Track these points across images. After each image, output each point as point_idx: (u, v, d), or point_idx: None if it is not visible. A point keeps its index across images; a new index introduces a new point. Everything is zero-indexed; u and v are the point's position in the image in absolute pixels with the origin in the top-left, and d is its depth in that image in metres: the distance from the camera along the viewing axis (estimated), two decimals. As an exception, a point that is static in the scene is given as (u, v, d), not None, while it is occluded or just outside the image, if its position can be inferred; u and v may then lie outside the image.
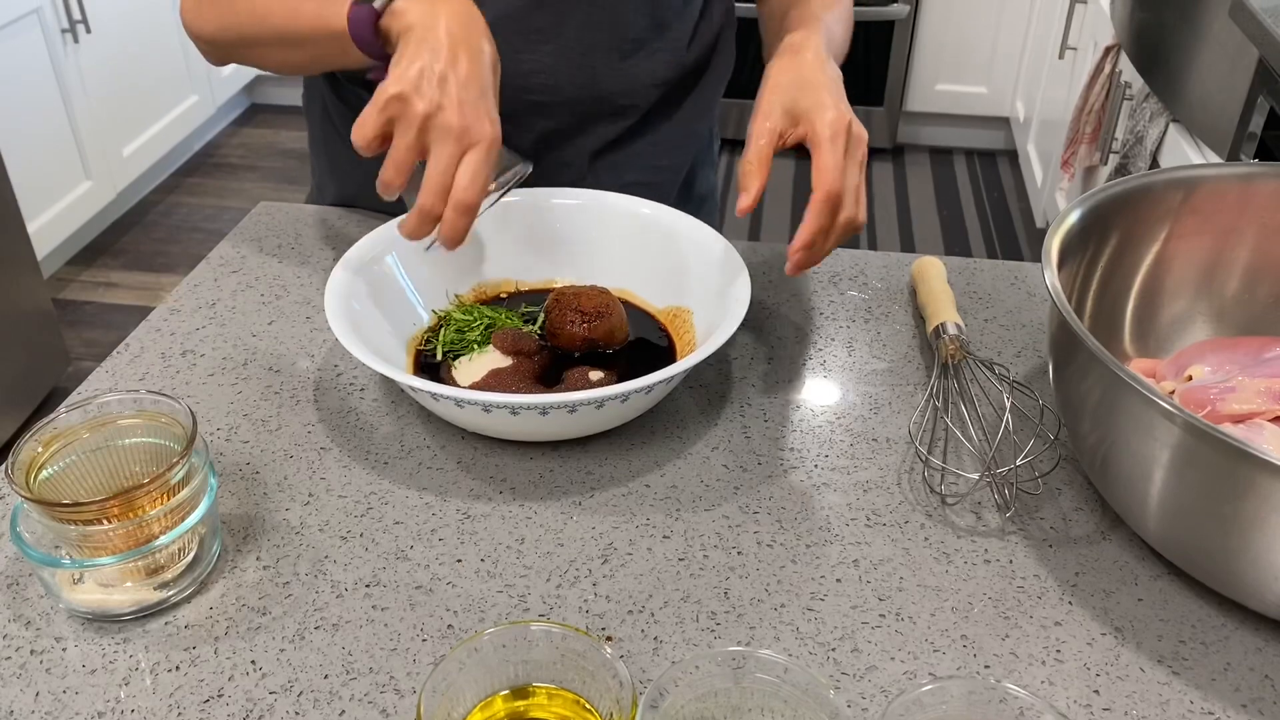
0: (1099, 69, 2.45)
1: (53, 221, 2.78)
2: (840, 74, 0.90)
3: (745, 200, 0.83)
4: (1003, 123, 3.61)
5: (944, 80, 3.50)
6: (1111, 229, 0.82)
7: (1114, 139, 2.31)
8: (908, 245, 3.13)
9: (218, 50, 0.98)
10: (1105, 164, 2.37)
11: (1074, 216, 0.79)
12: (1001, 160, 3.60)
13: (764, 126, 0.85)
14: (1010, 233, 3.18)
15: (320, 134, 1.16)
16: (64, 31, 2.73)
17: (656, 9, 1.04)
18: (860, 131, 0.85)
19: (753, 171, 0.84)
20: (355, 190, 1.15)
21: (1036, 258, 3.00)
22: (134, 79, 3.05)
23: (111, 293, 2.92)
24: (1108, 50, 2.43)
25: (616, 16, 1.02)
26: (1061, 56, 2.83)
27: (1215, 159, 1.82)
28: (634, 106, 1.08)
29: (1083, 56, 2.71)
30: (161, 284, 2.95)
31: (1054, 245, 0.76)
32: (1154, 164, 2.07)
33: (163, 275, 2.98)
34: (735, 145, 3.65)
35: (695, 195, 1.22)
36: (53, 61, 2.72)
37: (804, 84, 0.86)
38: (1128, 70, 2.30)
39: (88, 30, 2.80)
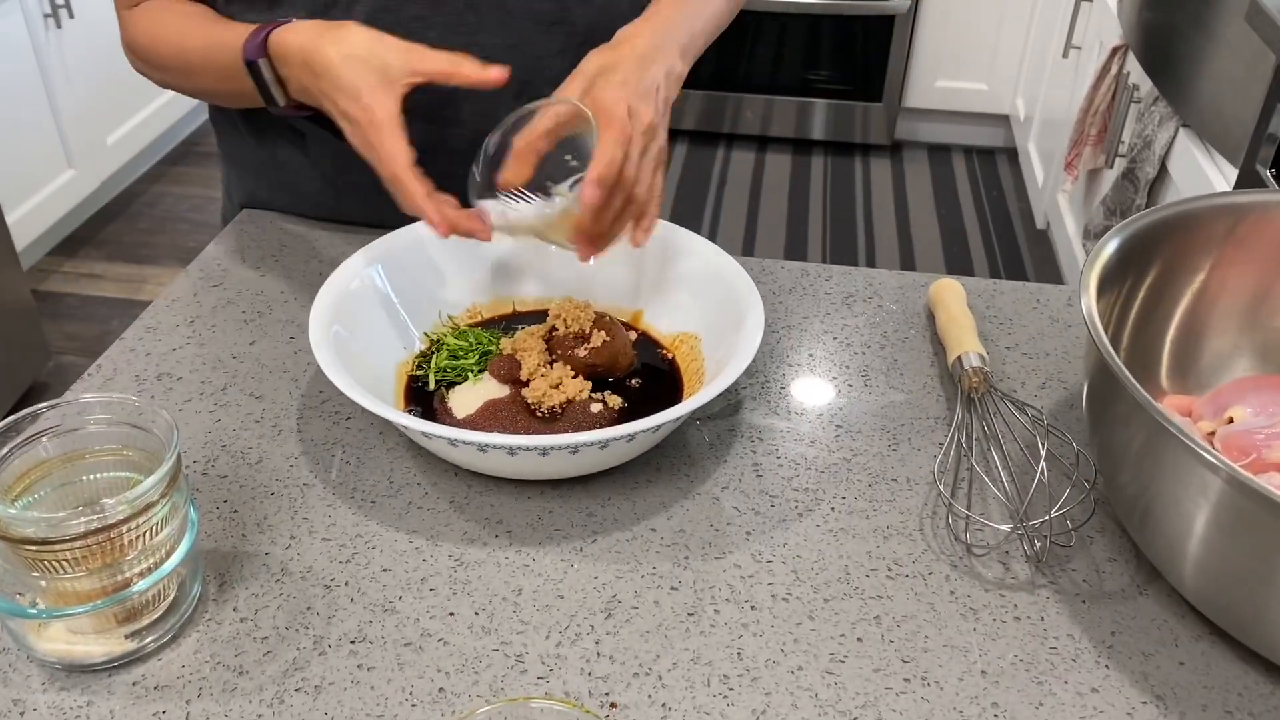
0: (1105, 69, 2.40)
1: (33, 211, 2.71)
2: (671, 71, 0.85)
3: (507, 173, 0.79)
4: (1002, 120, 3.55)
5: (944, 76, 3.45)
6: (1152, 258, 0.77)
7: (1120, 142, 2.26)
8: (905, 244, 3.08)
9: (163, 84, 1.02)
10: (1111, 167, 2.32)
11: (1112, 246, 0.74)
12: (1000, 158, 3.55)
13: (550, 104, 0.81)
14: (1009, 233, 3.14)
15: (226, 137, 1.11)
16: (46, 16, 2.66)
17: None
18: (650, 119, 0.81)
19: (520, 152, 0.79)
20: (266, 195, 1.10)
21: (1037, 259, 2.95)
22: (118, 65, 2.96)
23: (94, 285, 2.85)
24: (1114, 50, 2.38)
25: None
26: (1065, 55, 2.78)
27: (1228, 167, 1.78)
28: (532, 84, 1.00)
29: (1087, 56, 2.66)
30: (145, 276, 2.88)
31: (1092, 278, 0.71)
32: (1163, 169, 2.02)
33: (146, 267, 2.92)
34: (734, 139, 3.60)
35: None
36: (34, 47, 2.65)
37: (607, 69, 0.82)
38: (1135, 72, 2.26)
39: (70, 15, 2.73)
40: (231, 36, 0.88)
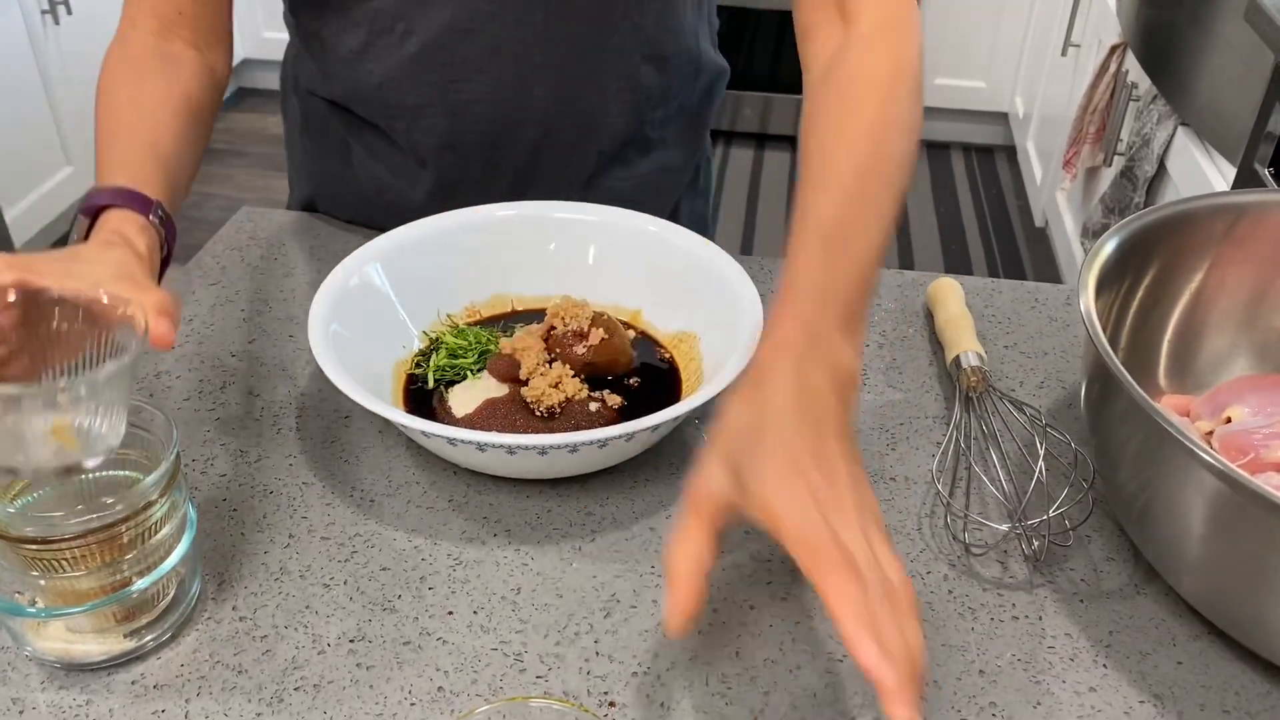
0: (1104, 68, 2.40)
1: (31, 208, 2.70)
2: (836, 374, 0.60)
3: (671, 620, 0.55)
4: (1001, 118, 3.56)
5: (942, 74, 3.45)
6: (1150, 258, 0.77)
7: (1119, 140, 2.27)
8: (904, 242, 3.08)
9: None
10: (1109, 165, 2.32)
11: (1110, 245, 0.74)
12: (999, 156, 3.55)
13: (698, 499, 0.58)
14: (1008, 231, 3.14)
15: (295, 132, 1.11)
16: (44, 13, 2.66)
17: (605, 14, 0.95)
18: (854, 535, 0.53)
19: (678, 576, 0.55)
20: (313, 192, 1.11)
21: (1035, 257, 2.95)
22: (116, 62, 2.97)
23: (92, 281, 2.85)
24: (1113, 49, 2.38)
25: (552, 37, 0.94)
26: (1064, 53, 2.78)
27: (1226, 165, 1.78)
28: (584, 138, 1.01)
29: (1086, 54, 2.66)
30: (143, 273, 2.87)
31: (1091, 277, 0.71)
32: (1161, 167, 2.03)
33: (144, 264, 2.91)
34: (732, 137, 3.60)
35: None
36: (32, 43, 2.64)
37: (751, 452, 0.57)
38: (1134, 70, 2.26)
39: (69, 11, 2.72)
40: (109, 159, 0.81)
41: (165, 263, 0.77)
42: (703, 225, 1.19)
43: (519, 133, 0.98)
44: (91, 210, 0.75)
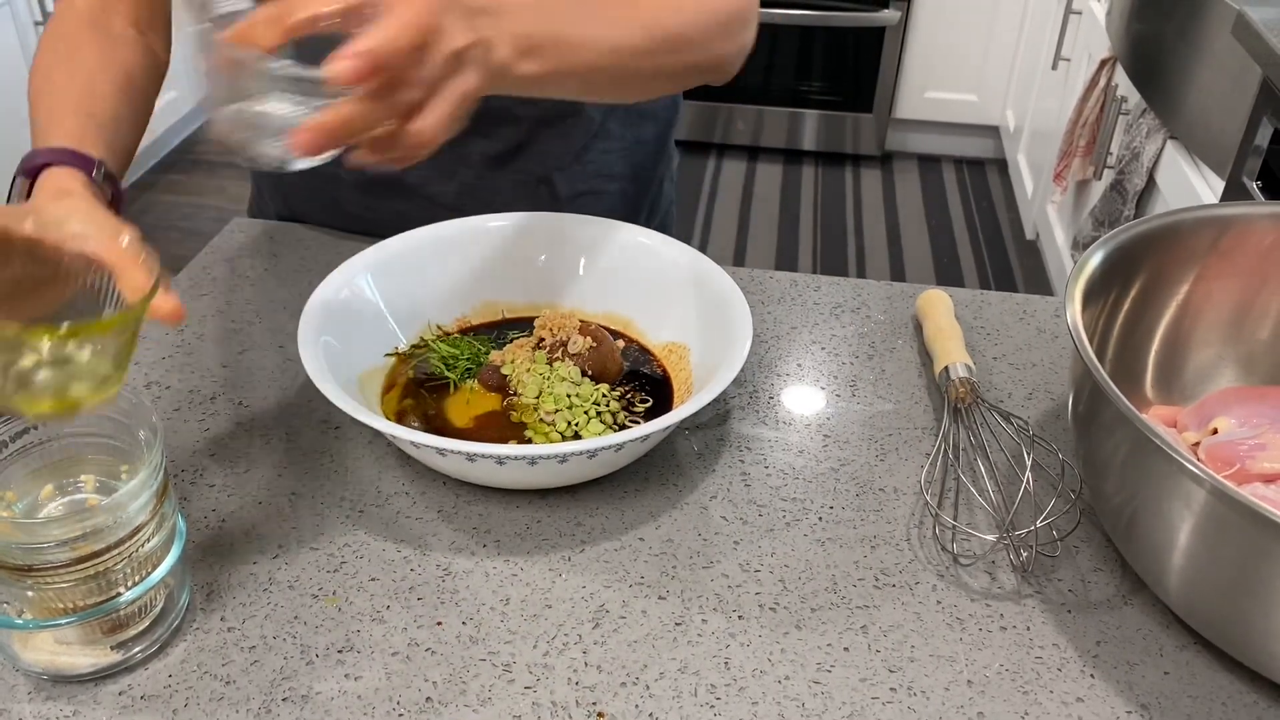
0: (1094, 82, 2.42)
1: (23, 219, 2.70)
2: (494, 45, 0.65)
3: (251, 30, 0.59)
4: (992, 131, 3.57)
5: (933, 88, 3.46)
6: (1137, 270, 0.77)
7: (1109, 154, 2.28)
8: (895, 254, 3.09)
9: None
10: (1099, 178, 2.34)
11: (1097, 258, 0.75)
12: (990, 169, 3.56)
13: None
14: (999, 243, 3.15)
15: None
16: (37, 24, 2.66)
17: None
18: (461, 43, 0.62)
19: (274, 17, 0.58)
20: (302, 207, 1.10)
21: (1026, 270, 2.95)
22: (109, 73, 2.97)
23: (83, 293, 2.84)
24: (1103, 63, 2.39)
25: None
26: (1055, 67, 2.79)
27: (1215, 179, 1.79)
28: (577, 112, 1.03)
29: (1076, 68, 2.68)
30: (135, 284, 2.87)
31: (1077, 290, 0.72)
32: (1150, 181, 2.04)
33: (136, 275, 2.91)
34: (725, 150, 3.60)
35: (658, 210, 1.17)
36: (25, 55, 2.64)
37: None
38: (1124, 84, 2.27)
39: (61, 23, 2.72)
40: (46, 127, 0.78)
41: None
42: (672, 210, 1.21)
43: (514, 108, 0.99)
44: (31, 171, 0.71)
